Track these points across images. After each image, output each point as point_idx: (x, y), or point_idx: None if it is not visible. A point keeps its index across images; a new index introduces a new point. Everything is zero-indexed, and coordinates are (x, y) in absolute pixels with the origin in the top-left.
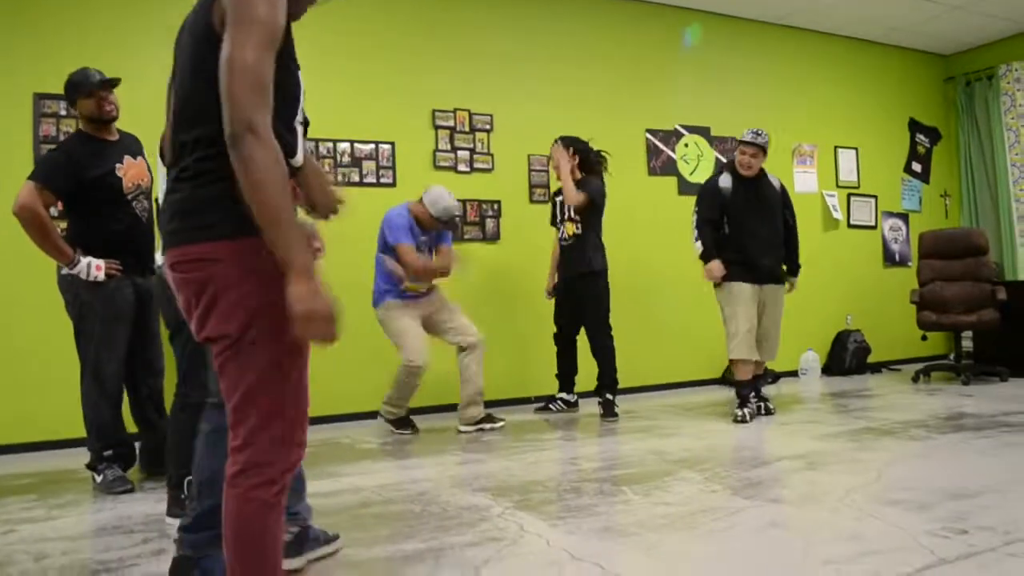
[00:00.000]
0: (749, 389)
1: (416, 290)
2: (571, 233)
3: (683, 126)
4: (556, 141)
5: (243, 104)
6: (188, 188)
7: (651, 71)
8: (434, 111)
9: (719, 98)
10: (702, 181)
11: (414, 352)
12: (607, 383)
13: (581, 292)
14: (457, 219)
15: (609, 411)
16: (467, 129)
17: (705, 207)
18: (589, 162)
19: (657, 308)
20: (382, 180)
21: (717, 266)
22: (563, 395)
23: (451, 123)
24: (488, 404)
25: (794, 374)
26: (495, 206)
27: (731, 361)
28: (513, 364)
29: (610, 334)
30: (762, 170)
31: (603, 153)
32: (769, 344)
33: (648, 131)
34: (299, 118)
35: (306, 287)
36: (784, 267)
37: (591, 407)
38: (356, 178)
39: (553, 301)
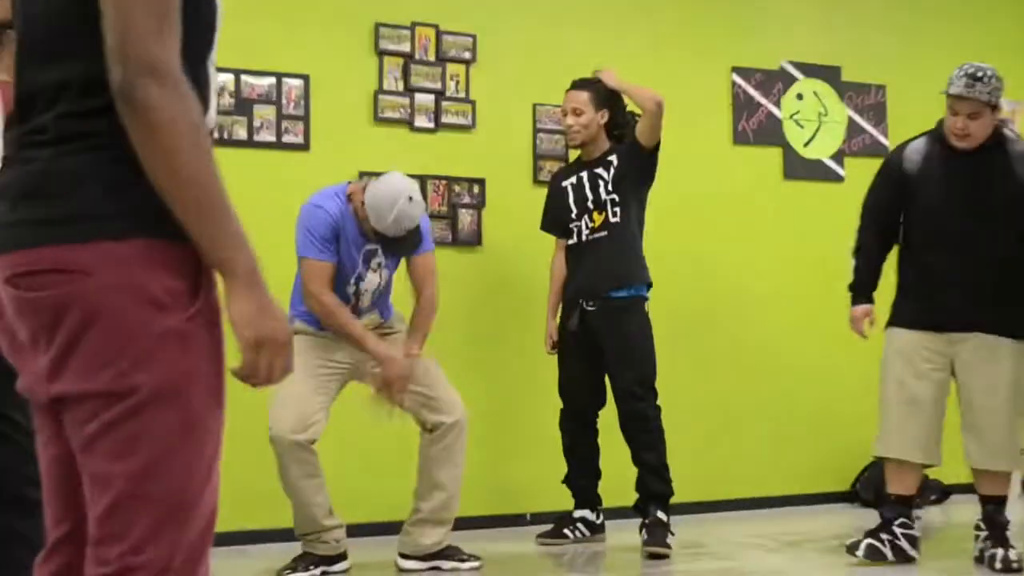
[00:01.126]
0: (896, 512)
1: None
2: (598, 223)
3: (795, 64)
4: (575, 88)
5: (139, 34)
6: (44, 158)
7: None
8: (378, 26)
9: (858, 18)
10: (824, 156)
11: (276, 416)
12: (655, 490)
13: (613, 327)
14: (411, 232)
15: (658, 538)
16: (432, 58)
17: (873, 199)
18: (624, 130)
19: (745, 365)
20: (285, 139)
21: (861, 312)
22: (582, 513)
23: (407, 47)
24: (454, 525)
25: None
26: (475, 188)
27: (877, 459)
28: (497, 461)
29: (657, 403)
30: (998, 138)
31: (637, 116)
32: (981, 436)
33: (735, 71)
34: (215, 56)
35: (255, 302)
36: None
37: (625, 532)
38: (242, 134)
39: (556, 357)
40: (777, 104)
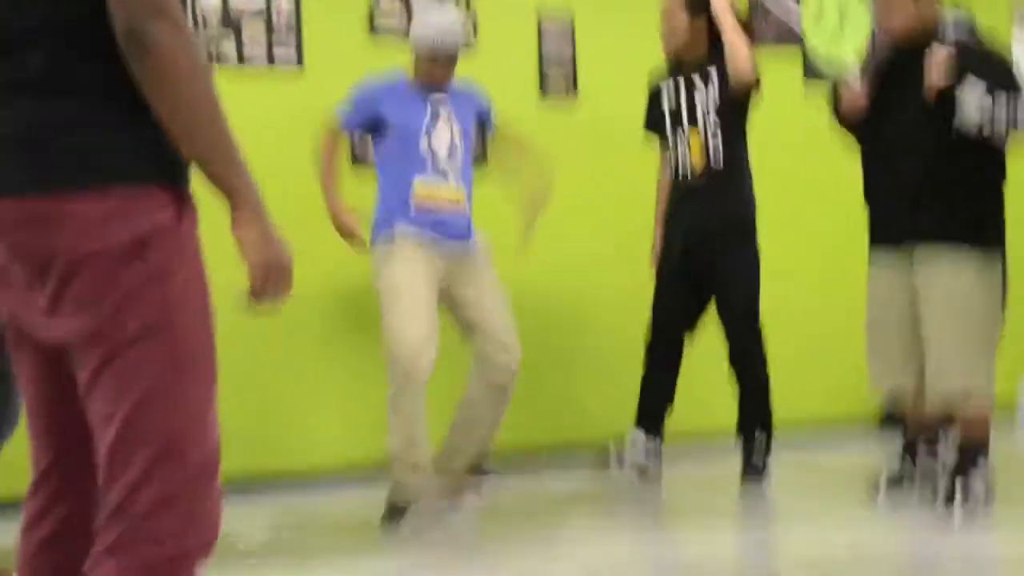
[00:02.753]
0: (910, 439)
1: (435, 202)
2: (698, 165)
3: None
4: None
5: None
6: (28, 102)
7: None
8: None
9: None
10: (847, 59)
11: (403, 340)
12: (760, 415)
13: (722, 256)
14: (459, 41)
15: (754, 467)
16: None
17: None
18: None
19: (773, 298)
20: (277, 56)
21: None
22: (640, 435)
23: None
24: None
25: (1008, 412)
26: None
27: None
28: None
29: (762, 334)
30: (931, 33)
31: (744, 21)
32: (935, 363)
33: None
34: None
35: (260, 229)
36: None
37: (684, 464)
38: (231, 54)
39: (654, 280)
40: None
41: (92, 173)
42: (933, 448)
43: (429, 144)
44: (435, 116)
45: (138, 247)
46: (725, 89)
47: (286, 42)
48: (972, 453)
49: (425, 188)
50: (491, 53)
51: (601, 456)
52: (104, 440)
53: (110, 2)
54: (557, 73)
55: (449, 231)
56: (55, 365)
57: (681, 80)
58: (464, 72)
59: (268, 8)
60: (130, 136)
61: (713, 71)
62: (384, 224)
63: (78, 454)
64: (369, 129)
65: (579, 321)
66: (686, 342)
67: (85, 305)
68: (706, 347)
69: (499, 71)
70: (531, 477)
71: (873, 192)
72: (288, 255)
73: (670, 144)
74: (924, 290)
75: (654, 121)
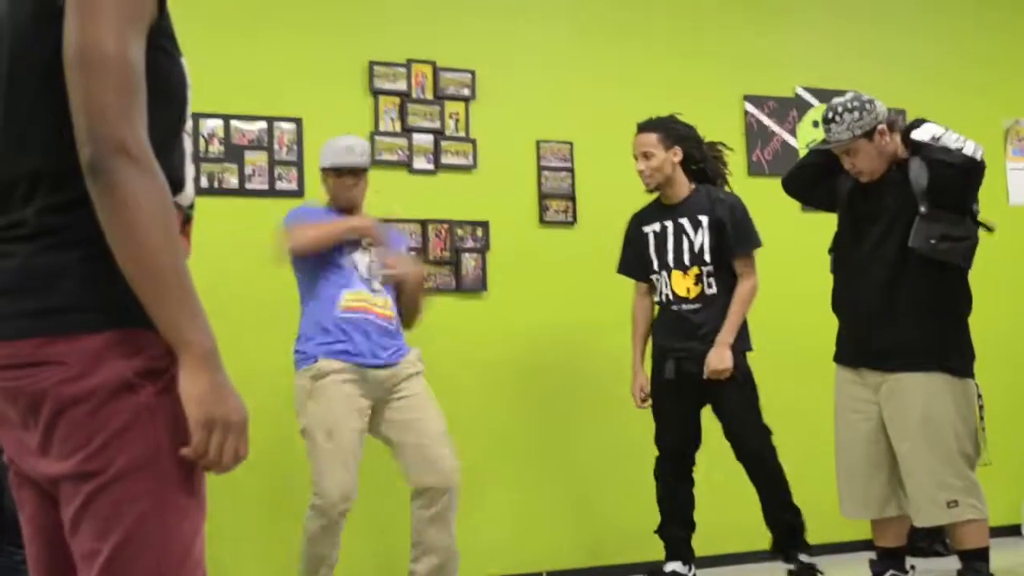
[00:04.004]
0: (883, 566)
1: (365, 308)
2: (693, 294)
3: (809, 90)
4: (641, 130)
5: (108, 113)
6: (23, 253)
7: None
8: (372, 65)
9: (874, 41)
10: None
11: (329, 478)
12: (791, 527)
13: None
14: (365, 162)
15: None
16: (430, 96)
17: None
18: (703, 164)
19: (765, 405)
20: (279, 185)
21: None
22: (674, 567)
23: (403, 86)
24: None
25: (1015, 531)
26: (478, 232)
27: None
28: (512, 518)
29: (769, 432)
30: (899, 159)
31: (718, 146)
32: (910, 485)
33: (747, 99)
34: (189, 127)
35: (208, 381)
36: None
37: None
38: (233, 181)
39: (652, 403)
40: (792, 132)
41: (77, 318)
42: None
43: (352, 262)
44: (356, 241)
45: (126, 388)
46: (717, 237)
47: (287, 174)
48: (974, 559)
49: (354, 296)
50: (490, 177)
51: None
52: (93, 568)
53: (77, 138)
54: (557, 200)
55: (383, 358)
56: (52, 505)
57: (670, 225)
58: (465, 196)
59: (270, 139)
60: (118, 282)
61: (704, 219)
62: (309, 354)
63: None
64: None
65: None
66: (695, 458)
67: (73, 445)
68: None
69: (496, 195)
70: None
71: (839, 312)
72: (242, 413)
73: (659, 279)
74: (889, 410)
75: (633, 265)
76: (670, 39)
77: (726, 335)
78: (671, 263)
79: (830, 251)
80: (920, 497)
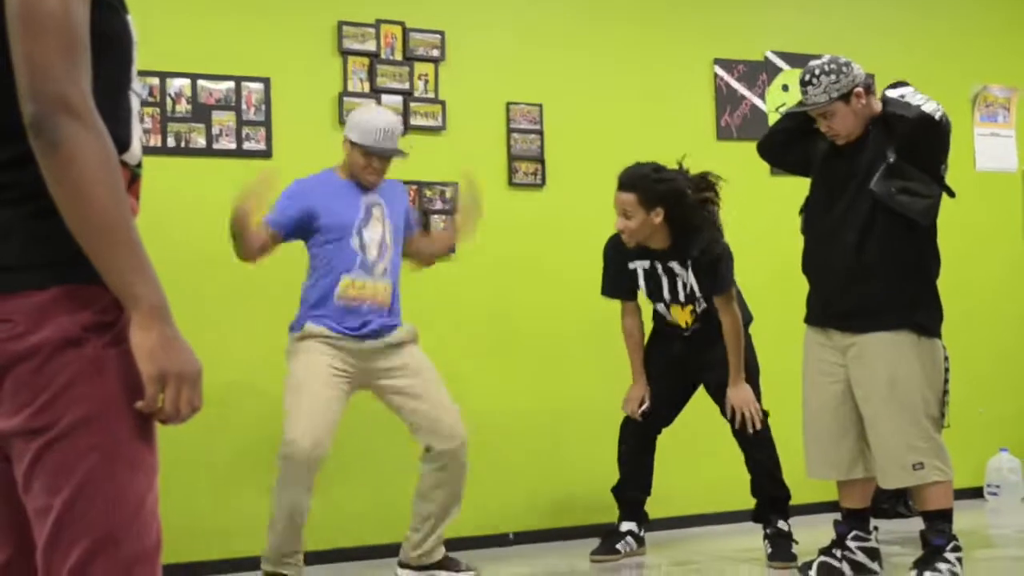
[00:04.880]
0: (849, 526)
1: (359, 301)
2: (691, 321)
3: (779, 54)
4: (621, 188)
5: (49, 69)
6: None
7: None
8: (340, 25)
9: (844, 4)
10: None
11: (298, 427)
12: (773, 494)
13: (715, 346)
14: (397, 146)
15: (783, 551)
16: (399, 57)
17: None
18: (688, 214)
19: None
20: (246, 145)
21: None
22: (629, 526)
23: (372, 47)
24: (454, 544)
25: (977, 493)
26: (447, 193)
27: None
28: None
29: (764, 409)
30: (875, 121)
31: (710, 178)
32: (877, 447)
33: (717, 62)
34: (136, 87)
35: (158, 334)
36: (884, 302)
37: (663, 545)
38: (201, 141)
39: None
40: (762, 96)
41: (23, 276)
42: (867, 530)
43: (360, 242)
44: (368, 214)
45: (72, 342)
46: (700, 281)
47: (255, 134)
48: (938, 520)
49: (351, 285)
50: (459, 139)
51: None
52: (41, 533)
53: (21, 96)
54: (526, 163)
55: (368, 329)
56: (6, 463)
57: (659, 266)
58: (434, 157)
59: (237, 99)
60: (64, 239)
61: (690, 263)
62: (299, 320)
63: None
64: (299, 229)
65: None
66: (655, 443)
67: (20, 402)
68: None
69: (465, 156)
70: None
71: (808, 274)
72: (194, 365)
73: (656, 305)
74: (857, 372)
75: (619, 288)
76: (641, 2)
77: (736, 373)
78: (667, 298)
79: (800, 212)
80: (886, 459)
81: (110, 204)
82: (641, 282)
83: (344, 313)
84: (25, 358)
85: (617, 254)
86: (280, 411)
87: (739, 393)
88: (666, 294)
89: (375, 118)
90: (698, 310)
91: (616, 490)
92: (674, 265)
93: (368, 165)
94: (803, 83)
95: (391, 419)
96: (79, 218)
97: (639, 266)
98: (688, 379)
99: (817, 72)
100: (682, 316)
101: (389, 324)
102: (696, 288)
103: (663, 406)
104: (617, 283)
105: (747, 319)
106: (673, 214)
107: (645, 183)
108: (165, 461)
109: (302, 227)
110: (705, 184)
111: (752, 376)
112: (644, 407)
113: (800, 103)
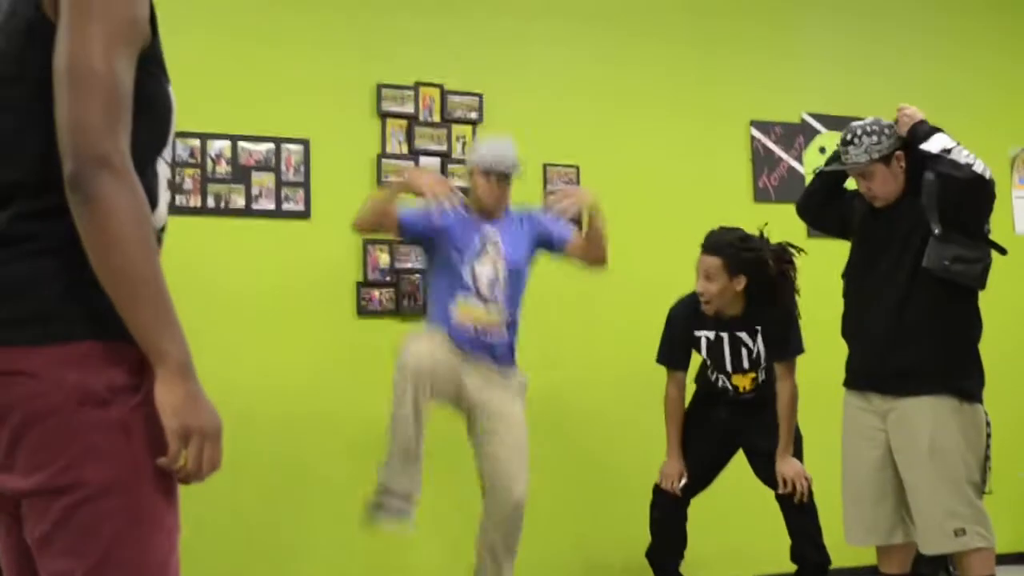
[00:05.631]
0: None
1: (474, 322)
2: (751, 387)
3: (815, 116)
4: (706, 251)
5: (92, 127)
6: None
7: (756, 18)
8: (380, 87)
9: (881, 69)
10: None
11: (410, 351)
12: (819, 563)
13: (760, 424)
14: (517, 167)
15: None
16: (437, 119)
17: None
18: (767, 284)
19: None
20: (285, 206)
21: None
22: None
23: (410, 109)
24: None
25: (1019, 559)
26: None
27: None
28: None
29: (811, 486)
30: (912, 183)
31: (789, 248)
32: (918, 513)
33: (754, 124)
34: (168, 153)
35: (183, 391)
36: (934, 366)
37: None
38: (240, 202)
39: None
40: (799, 158)
41: (51, 328)
42: None
43: (472, 273)
44: (482, 249)
45: (99, 401)
46: (769, 346)
47: (294, 195)
48: None
49: (466, 308)
50: None
51: None
52: None
53: (61, 152)
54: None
55: (486, 348)
56: (14, 522)
57: (725, 336)
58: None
59: (277, 160)
60: (93, 293)
61: (760, 329)
62: (430, 321)
63: None
64: (417, 239)
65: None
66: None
67: (41, 460)
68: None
69: None
70: None
71: (848, 337)
72: (217, 422)
73: (714, 374)
74: (897, 437)
75: (677, 358)
76: (678, 64)
77: (785, 446)
78: (730, 369)
79: (843, 276)
80: (927, 525)
81: (142, 259)
82: (704, 351)
83: (463, 332)
84: (48, 415)
85: (684, 321)
86: (311, 473)
87: (792, 466)
88: (728, 364)
89: (491, 143)
90: (760, 378)
91: (649, 555)
92: (742, 335)
93: (487, 185)
94: (844, 143)
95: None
96: (111, 271)
97: (704, 335)
98: (730, 444)
99: (859, 132)
100: (743, 382)
101: (506, 356)
102: (763, 355)
103: (701, 471)
104: (678, 351)
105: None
106: (754, 283)
107: (731, 250)
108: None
109: (420, 240)
110: (786, 255)
111: (797, 444)
112: (683, 482)
113: (836, 160)
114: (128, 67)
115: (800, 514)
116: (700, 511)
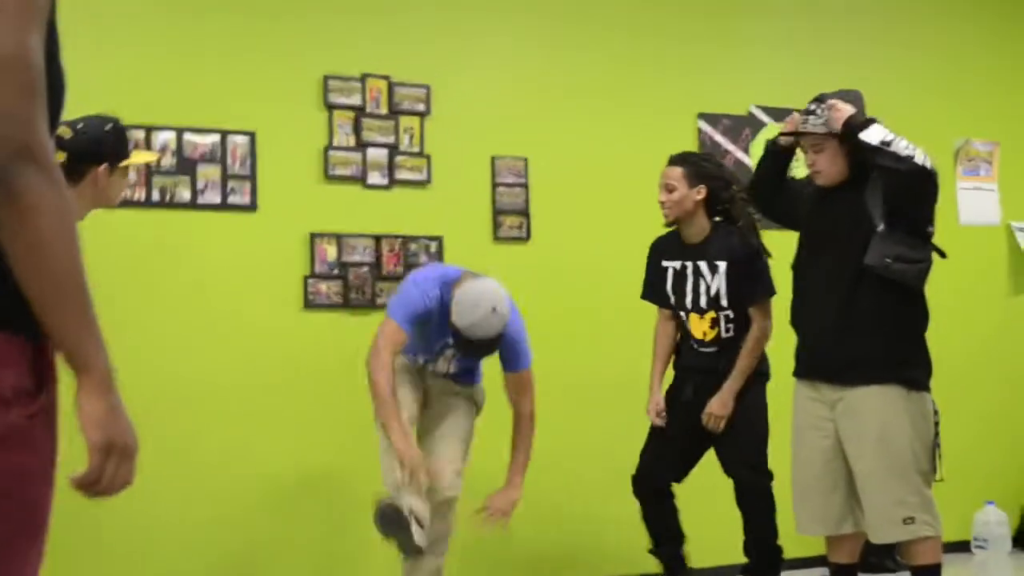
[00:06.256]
0: None
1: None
2: (709, 336)
3: (763, 108)
4: (670, 163)
5: (12, 117)
6: None
7: (705, 10)
8: (326, 79)
9: (829, 59)
10: None
11: (385, 475)
12: (766, 557)
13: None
14: (487, 342)
15: None
16: (385, 111)
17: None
18: (728, 203)
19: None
20: (231, 199)
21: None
22: None
23: (357, 100)
24: None
25: (964, 547)
26: (432, 247)
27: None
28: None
29: (769, 471)
30: (859, 171)
31: (740, 192)
32: (867, 502)
33: (702, 117)
34: (55, 129)
35: (107, 404)
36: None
37: None
38: (186, 195)
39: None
40: (746, 150)
41: None
42: None
43: (443, 356)
44: (440, 353)
45: (1, 398)
46: (734, 282)
47: (240, 188)
48: (927, 575)
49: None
50: (444, 192)
51: None
52: None
53: None
54: (511, 216)
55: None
56: None
57: (689, 265)
58: (420, 211)
59: (223, 152)
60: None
61: (722, 265)
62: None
63: None
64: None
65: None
66: (672, 489)
67: None
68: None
69: (450, 210)
70: None
71: (797, 327)
72: (136, 441)
73: (676, 314)
74: (845, 427)
75: (655, 294)
76: (626, 56)
77: (732, 383)
78: (688, 305)
79: (792, 267)
80: (877, 514)
81: (69, 260)
82: (669, 284)
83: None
84: None
85: (655, 254)
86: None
87: (721, 400)
88: (688, 299)
89: (475, 310)
90: (720, 323)
91: (652, 551)
92: (702, 265)
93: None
94: (806, 111)
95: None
96: (35, 272)
97: (671, 266)
98: (697, 425)
99: (824, 104)
100: (700, 327)
101: (464, 376)
102: (723, 293)
103: (673, 456)
104: (653, 285)
105: (767, 371)
106: (714, 197)
107: (694, 160)
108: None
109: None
110: (745, 189)
111: (758, 382)
112: (662, 416)
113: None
114: (39, 46)
115: (756, 513)
116: (708, 496)
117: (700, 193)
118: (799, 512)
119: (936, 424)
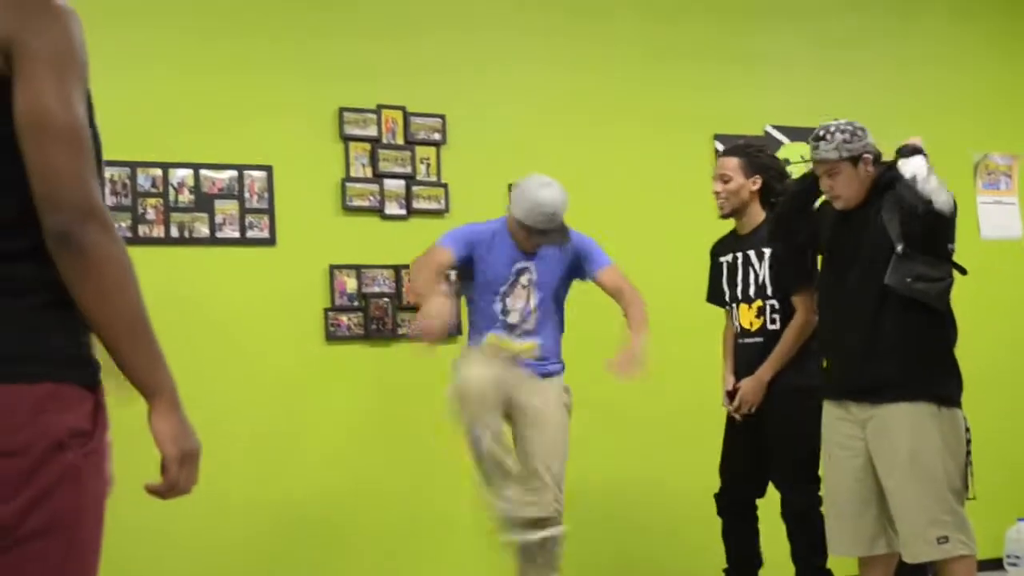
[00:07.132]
0: None
1: (507, 351)
2: (755, 327)
3: (779, 128)
4: (725, 154)
5: (72, 178)
6: None
7: (720, 31)
8: (342, 111)
9: (844, 78)
10: None
11: (457, 377)
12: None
13: (778, 415)
14: (558, 226)
15: None
16: (401, 142)
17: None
18: (780, 195)
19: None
20: (250, 233)
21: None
22: None
23: (373, 132)
24: None
25: (996, 565)
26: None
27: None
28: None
29: (818, 492)
30: (881, 189)
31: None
32: (900, 521)
33: (718, 138)
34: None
35: (177, 420)
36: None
37: None
38: (204, 230)
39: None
40: None
41: (19, 368)
42: None
43: (504, 307)
44: (515, 281)
45: (58, 446)
46: (784, 271)
47: (258, 222)
48: None
49: (497, 340)
50: (462, 221)
51: None
52: None
53: (40, 204)
54: None
55: (525, 363)
56: None
57: (740, 256)
58: (430, 239)
59: (240, 188)
60: (53, 336)
61: (768, 251)
62: (470, 343)
63: None
64: (464, 267)
65: None
66: (756, 506)
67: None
68: None
69: None
70: None
71: (824, 349)
72: (200, 445)
73: (731, 311)
74: (876, 446)
75: (715, 295)
76: (642, 78)
77: (766, 368)
78: (739, 295)
79: (816, 287)
80: (910, 534)
81: (135, 304)
82: (725, 280)
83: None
84: (8, 453)
85: (713, 255)
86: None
87: (751, 387)
88: (739, 289)
89: (541, 199)
90: (766, 313)
91: (727, 572)
92: (751, 254)
93: (528, 240)
94: (816, 138)
95: None
96: (106, 319)
97: (724, 260)
98: (755, 430)
99: (832, 129)
100: (747, 316)
101: (544, 369)
102: (768, 281)
103: (744, 468)
104: (713, 286)
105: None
106: (768, 188)
107: (749, 150)
108: None
109: (465, 267)
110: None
111: (814, 437)
112: (736, 404)
113: (814, 154)
114: (84, 110)
115: (800, 530)
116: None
117: (756, 183)
118: (832, 533)
119: (968, 441)
